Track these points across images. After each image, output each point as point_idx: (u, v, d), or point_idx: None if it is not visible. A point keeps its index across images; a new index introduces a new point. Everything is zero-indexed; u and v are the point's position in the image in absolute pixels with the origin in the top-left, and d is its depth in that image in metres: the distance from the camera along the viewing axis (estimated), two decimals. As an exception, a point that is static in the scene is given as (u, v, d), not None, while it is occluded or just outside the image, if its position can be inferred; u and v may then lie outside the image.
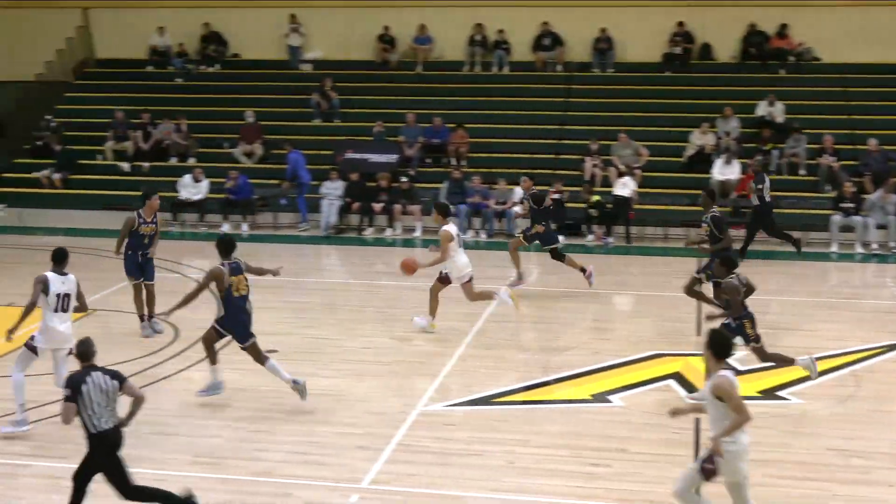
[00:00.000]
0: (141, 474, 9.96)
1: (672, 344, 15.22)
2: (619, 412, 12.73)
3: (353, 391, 13.31)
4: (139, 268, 16.00)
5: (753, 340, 12.84)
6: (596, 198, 22.71)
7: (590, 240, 22.45)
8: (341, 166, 24.23)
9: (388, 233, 22.77)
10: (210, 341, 12.82)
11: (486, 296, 16.13)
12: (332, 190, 23.12)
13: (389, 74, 28.66)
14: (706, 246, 15.88)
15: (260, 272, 13.43)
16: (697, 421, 11.73)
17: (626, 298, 18.70)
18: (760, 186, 20.63)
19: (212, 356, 12.86)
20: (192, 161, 25.70)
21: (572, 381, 13.77)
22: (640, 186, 23.27)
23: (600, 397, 13.18)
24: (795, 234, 21.17)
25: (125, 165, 26.19)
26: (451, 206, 17.15)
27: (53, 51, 30.12)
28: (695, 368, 13.82)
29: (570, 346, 15.25)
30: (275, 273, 13.73)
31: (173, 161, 26.08)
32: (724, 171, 23.38)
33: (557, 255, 18.23)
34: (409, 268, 15.81)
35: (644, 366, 14.32)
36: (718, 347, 8.81)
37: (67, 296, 12.25)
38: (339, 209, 23.04)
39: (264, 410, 12.68)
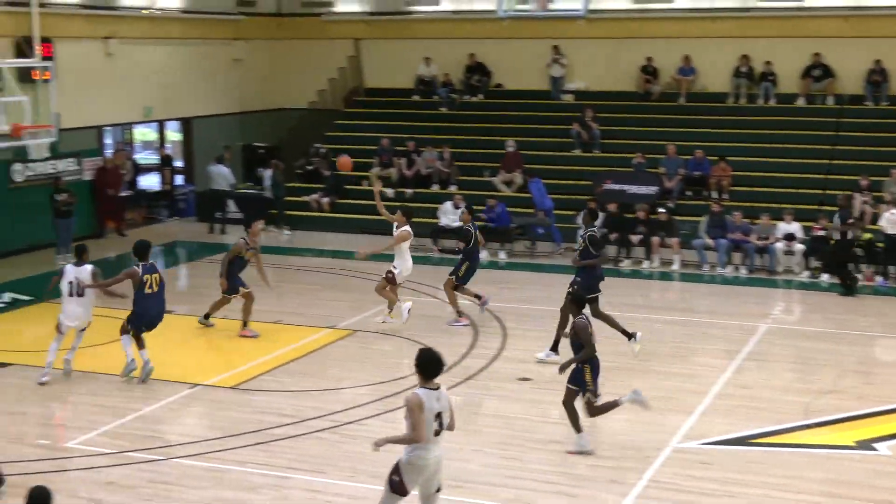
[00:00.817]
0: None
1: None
2: (885, 461, 12.12)
3: (605, 423, 13.18)
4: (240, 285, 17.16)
5: (590, 392, 12.11)
6: (867, 235, 21.76)
7: (860, 280, 21.44)
8: (600, 197, 24.15)
9: (646, 265, 22.52)
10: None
11: (391, 300, 17.42)
12: (590, 220, 23.04)
13: (651, 105, 28.41)
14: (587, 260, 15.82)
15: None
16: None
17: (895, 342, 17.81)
18: None
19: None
20: (453, 188, 26.20)
21: (834, 427, 13.21)
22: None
23: (865, 445, 12.59)
24: None
25: (389, 191, 26.94)
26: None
27: (326, 80, 31.39)
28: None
29: (833, 390, 14.64)
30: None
31: (435, 188, 26.65)
32: None
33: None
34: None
35: (913, 414, 13.61)
36: (424, 366, 9.04)
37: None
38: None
39: (516, 438, 12.74)
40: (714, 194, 24.37)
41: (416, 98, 30.40)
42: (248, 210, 27.39)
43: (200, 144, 29.46)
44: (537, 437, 12.73)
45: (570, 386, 12.30)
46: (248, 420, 13.33)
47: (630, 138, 27.19)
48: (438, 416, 9.10)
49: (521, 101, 29.47)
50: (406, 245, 17.58)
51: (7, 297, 19.51)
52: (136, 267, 14.49)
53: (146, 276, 14.47)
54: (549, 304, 19.30)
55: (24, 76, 21.20)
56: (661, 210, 23.00)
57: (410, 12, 30.55)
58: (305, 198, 27.24)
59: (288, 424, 13.09)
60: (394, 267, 17.59)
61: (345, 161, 18.01)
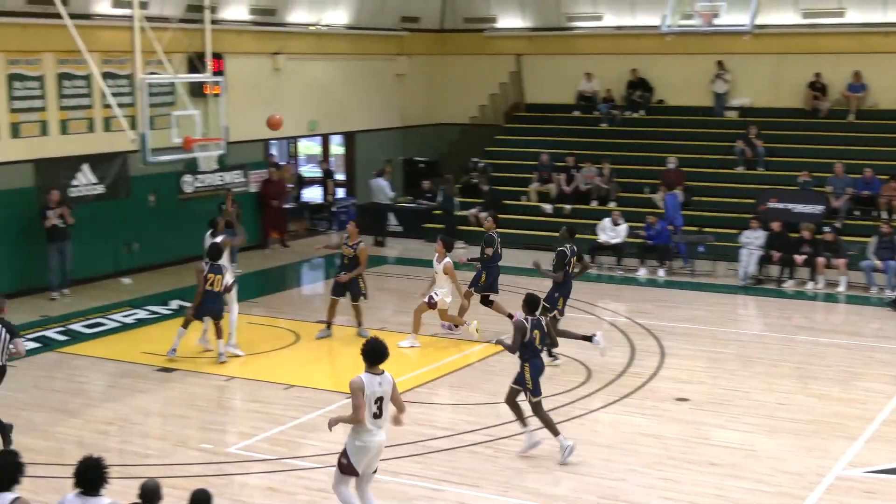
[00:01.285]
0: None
1: None
2: None
3: (764, 447, 12.89)
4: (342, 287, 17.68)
5: (530, 391, 12.41)
6: None
7: None
8: (763, 215, 23.64)
9: (810, 286, 21.90)
10: None
11: (457, 322, 17.72)
12: (753, 239, 22.58)
13: (819, 123, 27.66)
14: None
15: None
16: None
17: None
18: None
19: None
20: (612, 205, 25.99)
21: None
22: None
23: None
24: None
25: (548, 207, 26.92)
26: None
27: (487, 95, 31.55)
28: None
29: None
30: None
31: (594, 204, 26.49)
32: None
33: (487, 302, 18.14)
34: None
35: None
36: (367, 354, 9.99)
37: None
38: (759, 259, 22.45)
39: (672, 458, 12.54)
40: (884, 214, 23.59)
41: (576, 114, 30.28)
42: (408, 223, 27.77)
43: (362, 158, 29.94)
44: (694, 459, 12.51)
45: (512, 385, 12.62)
46: (404, 431, 13.36)
47: (795, 156, 26.53)
48: (379, 400, 9.98)
49: (684, 118, 29.08)
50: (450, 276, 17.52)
51: (175, 304, 20.15)
52: (203, 265, 16.10)
53: (210, 276, 16.07)
54: (709, 323, 19.06)
55: (196, 90, 21.91)
56: (827, 230, 22.37)
57: (572, 28, 30.46)
58: (464, 212, 27.40)
59: (442, 437, 13.17)
60: (435, 294, 17.45)
61: (274, 121, 18.30)
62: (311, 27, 27.25)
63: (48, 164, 21.09)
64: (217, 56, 22.30)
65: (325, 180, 30.23)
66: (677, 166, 26.15)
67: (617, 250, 23.50)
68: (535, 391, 12.44)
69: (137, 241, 23.05)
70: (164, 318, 19.36)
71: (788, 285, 21.98)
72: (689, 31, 25.22)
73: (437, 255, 17.65)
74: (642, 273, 23.05)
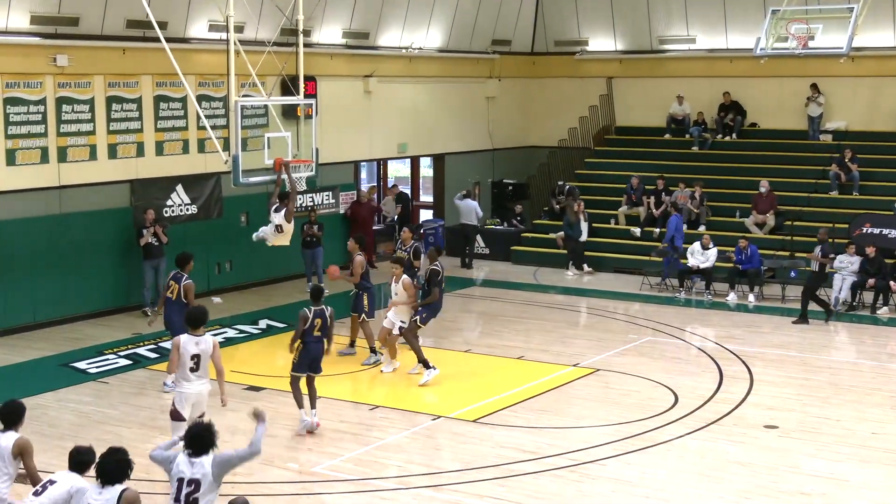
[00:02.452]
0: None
1: None
2: None
3: (855, 477, 12.63)
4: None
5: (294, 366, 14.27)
6: None
7: None
8: (857, 240, 23.21)
9: (906, 313, 21.45)
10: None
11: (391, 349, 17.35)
12: (847, 265, 22.18)
13: (916, 147, 27.15)
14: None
15: None
16: None
17: None
18: None
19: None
20: (702, 228, 25.73)
21: None
22: None
23: None
24: None
25: (636, 231, 26.75)
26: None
27: (577, 118, 31.48)
28: None
29: None
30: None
31: (684, 228, 26.23)
32: None
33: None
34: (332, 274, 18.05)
35: None
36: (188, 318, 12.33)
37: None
38: (853, 285, 22.03)
39: (761, 487, 12.34)
40: (983, 240, 23.02)
41: (667, 137, 30.09)
42: (495, 245, 27.79)
43: (451, 180, 30.06)
44: (783, 488, 12.30)
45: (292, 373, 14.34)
46: (488, 454, 13.44)
47: (891, 181, 26.04)
48: (195, 357, 12.12)
49: (777, 141, 28.71)
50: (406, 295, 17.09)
51: (263, 323, 20.39)
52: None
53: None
54: (799, 349, 18.75)
55: (288, 112, 22.20)
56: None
57: (664, 50, 30.30)
58: (551, 235, 27.33)
59: (527, 461, 13.13)
60: (402, 322, 17.04)
61: (333, 271, 18.15)
62: (403, 50, 27.47)
63: (143, 184, 21.55)
64: (309, 79, 22.59)
65: (401, 203, 30.16)
66: (769, 190, 25.82)
67: (706, 274, 23.23)
68: (297, 368, 14.30)
69: (229, 260, 23.39)
70: (253, 337, 19.59)
71: (883, 312, 21.53)
72: (783, 54, 24.90)
73: (394, 276, 17.25)
74: (732, 298, 22.75)
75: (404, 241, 19.00)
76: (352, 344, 18.30)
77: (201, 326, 12.23)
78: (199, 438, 8.68)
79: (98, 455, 8.60)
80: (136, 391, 16.22)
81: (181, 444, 8.79)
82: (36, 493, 8.71)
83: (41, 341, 19.14)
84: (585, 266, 25.94)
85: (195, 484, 8.60)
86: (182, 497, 8.58)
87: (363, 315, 17.97)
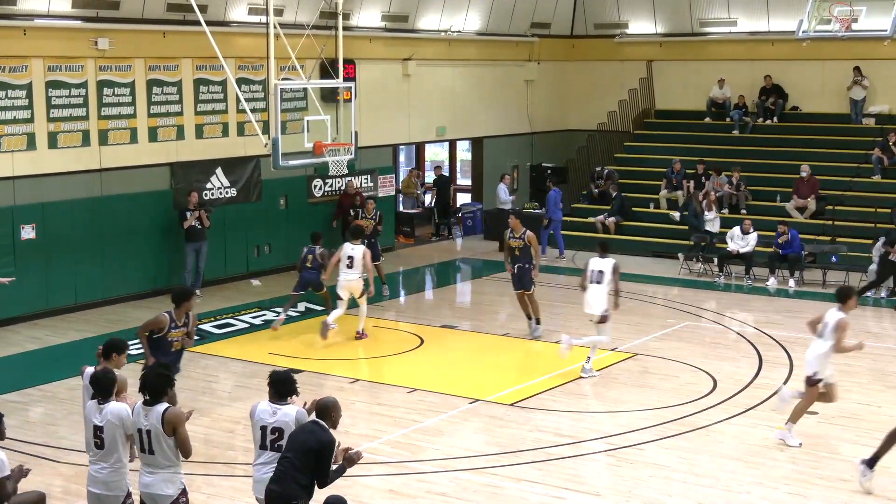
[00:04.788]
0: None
1: None
2: None
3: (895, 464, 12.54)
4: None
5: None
6: None
7: None
8: (900, 225, 23.00)
9: (949, 299, 21.24)
10: None
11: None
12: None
13: (961, 129, 26.81)
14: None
15: None
16: None
17: None
18: None
19: None
20: (742, 213, 25.56)
21: None
22: None
23: None
24: None
25: (675, 215, 26.59)
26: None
27: (616, 102, 31.31)
28: None
29: None
30: None
31: (724, 212, 26.06)
32: None
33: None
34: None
35: None
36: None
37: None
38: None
39: (801, 473, 12.27)
40: None
41: (707, 120, 29.89)
42: (529, 228, 27.64)
43: (490, 164, 30.01)
44: (823, 474, 12.22)
45: None
46: (526, 437, 13.44)
47: (936, 164, 25.77)
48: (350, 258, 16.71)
49: (818, 125, 28.42)
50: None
51: (302, 306, 20.45)
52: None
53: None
54: (841, 336, 18.55)
55: (327, 96, 22.25)
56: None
57: (705, 33, 30.07)
58: (591, 219, 27.25)
59: (565, 444, 13.12)
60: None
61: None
62: (442, 33, 27.42)
63: (183, 167, 21.67)
64: (349, 62, 22.61)
65: (440, 186, 30.07)
66: (810, 174, 25.60)
67: (746, 259, 23.08)
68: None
69: (268, 243, 23.50)
70: (292, 319, 19.67)
71: (925, 298, 21.34)
72: (826, 37, 24.66)
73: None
74: (772, 283, 22.59)
75: (514, 229, 18.28)
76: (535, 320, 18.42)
77: (359, 240, 17.58)
78: (282, 383, 9.19)
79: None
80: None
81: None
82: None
83: (82, 323, 19.31)
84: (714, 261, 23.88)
85: (279, 432, 9.05)
86: (268, 444, 9.09)
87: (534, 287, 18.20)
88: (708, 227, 24.67)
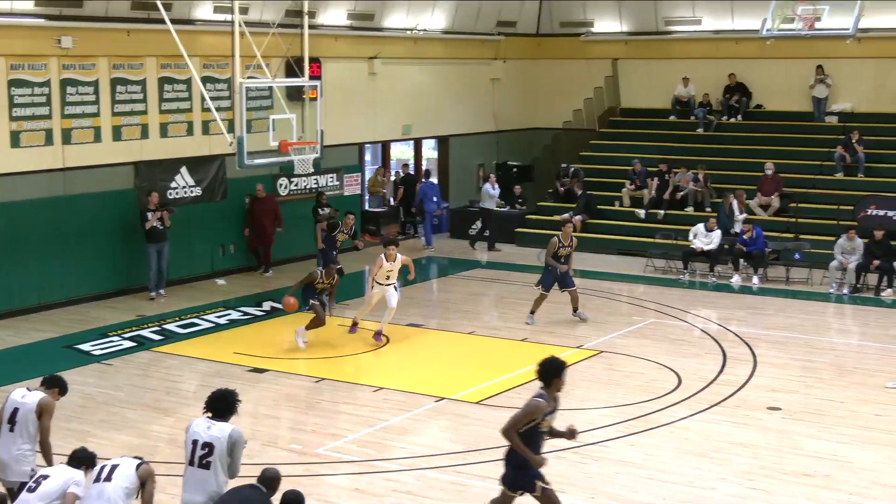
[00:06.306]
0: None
1: None
2: None
3: (858, 459, 12.64)
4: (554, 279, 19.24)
5: None
6: None
7: None
8: (862, 223, 23.18)
9: (910, 295, 21.44)
10: None
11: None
12: (850, 250, 22.12)
13: (922, 128, 27.08)
14: None
15: None
16: None
17: None
18: None
19: None
20: (708, 210, 25.70)
21: None
22: None
23: None
24: None
25: (641, 212, 26.72)
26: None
27: (582, 100, 31.40)
28: None
29: None
30: None
31: (689, 210, 26.21)
32: None
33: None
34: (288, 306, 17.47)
35: None
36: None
37: None
38: (858, 267, 22.00)
39: (764, 468, 12.36)
40: None
41: (672, 118, 30.04)
42: (499, 227, 27.67)
43: (456, 162, 30.03)
44: (786, 469, 12.31)
45: None
46: (492, 435, 13.37)
47: (897, 162, 26.02)
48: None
49: (782, 123, 28.61)
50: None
51: (267, 305, 20.41)
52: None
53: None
54: (803, 331, 18.77)
55: (293, 94, 22.19)
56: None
57: (670, 32, 30.20)
58: (556, 217, 27.29)
59: (530, 442, 13.13)
60: None
61: (290, 303, 17.44)
62: (408, 32, 27.40)
63: (148, 166, 21.55)
64: (314, 60, 22.57)
65: (406, 185, 29.98)
66: (775, 172, 25.78)
67: (711, 257, 23.21)
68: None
69: (233, 242, 23.41)
70: (257, 319, 19.62)
71: (887, 294, 21.52)
72: (789, 36, 24.84)
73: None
74: (736, 280, 22.73)
75: (565, 237, 19.41)
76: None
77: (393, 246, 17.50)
78: (221, 401, 9.10)
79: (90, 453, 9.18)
80: (141, 373, 16.26)
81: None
82: (30, 490, 8.78)
83: (45, 323, 19.18)
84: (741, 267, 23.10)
85: (209, 447, 8.84)
86: (196, 460, 8.86)
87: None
88: (737, 229, 23.92)
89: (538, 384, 9.92)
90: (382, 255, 17.78)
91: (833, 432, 13.57)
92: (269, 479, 8.78)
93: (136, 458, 9.08)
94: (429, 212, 26.86)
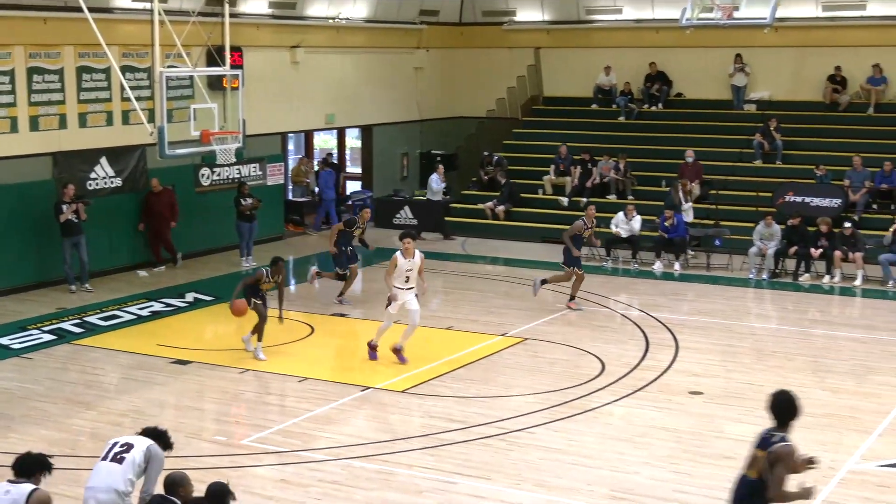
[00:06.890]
0: (552, 501, 10.10)
1: None
2: None
3: (778, 441, 12.85)
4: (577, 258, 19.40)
5: None
6: None
7: None
8: (780, 209, 23.57)
9: (826, 280, 21.83)
10: None
11: None
12: (768, 236, 22.49)
13: (838, 116, 27.54)
14: None
15: None
16: None
17: None
18: None
19: None
20: (630, 198, 25.96)
21: None
22: None
23: None
24: None
25: (564, 200, 26.90)
26: None
27: (505, 89, 31.51)
28: None
29: None
30: None
31: (612, 198, 26.45)
32: None
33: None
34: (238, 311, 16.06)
35: None
36: None
37: None
38: (776, 253, 22.37)
39: (686, 452, 12.53)
40: (903, 208, 23.49)
41: (594, 107, 30.26)
42: (423, 217, 27.68)
43: (379, 151, 29.99)
44: (708, 452, 12.50)
45: None
46: (417, 424, 13.50)
47: (814, 149, 26.44)
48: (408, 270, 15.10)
49: (702, 111, 28.98)
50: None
51: (190, 296, 20.22)
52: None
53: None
54: (724, 316, 19.05)
55: (214, 83, 22.00)
56: (845, 224, 22.26)
57: (592, 21, 30.42)
58: (480, 205, 27.41)
59: (456, 430, 13.20)
60: None
61: (241, 308, 16.24)
62: (330, 20, 27.27)
63: (66, 156, 21.21)
64: (236, 49, 22.36)
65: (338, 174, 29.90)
66: (695, 160, 26.10)
67: (632, 244, 23.44)
68: None
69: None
70: (180, 310, 19.43)
71: (804, 279, 21.91)
72: (708, 25, 25.12)
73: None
74: (658, 266, 22.99)
75: (589, 218, 19.92)
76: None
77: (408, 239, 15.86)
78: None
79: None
80: (61, 366, 16.01)
81: None
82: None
83: (-38, 317, 18.82)
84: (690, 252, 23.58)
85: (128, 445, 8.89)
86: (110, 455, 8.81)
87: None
88: (686, 218, 23.98)
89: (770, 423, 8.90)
90: (398, 254, 15.83)
91: (754, 415, 13.73)
92: (174, 484, 8.53)
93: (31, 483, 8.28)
94: (327, 199, 27.15)
